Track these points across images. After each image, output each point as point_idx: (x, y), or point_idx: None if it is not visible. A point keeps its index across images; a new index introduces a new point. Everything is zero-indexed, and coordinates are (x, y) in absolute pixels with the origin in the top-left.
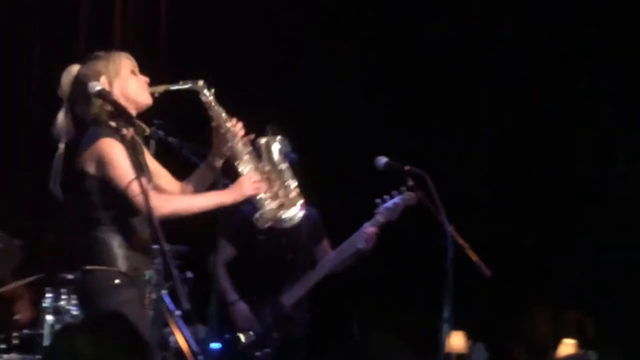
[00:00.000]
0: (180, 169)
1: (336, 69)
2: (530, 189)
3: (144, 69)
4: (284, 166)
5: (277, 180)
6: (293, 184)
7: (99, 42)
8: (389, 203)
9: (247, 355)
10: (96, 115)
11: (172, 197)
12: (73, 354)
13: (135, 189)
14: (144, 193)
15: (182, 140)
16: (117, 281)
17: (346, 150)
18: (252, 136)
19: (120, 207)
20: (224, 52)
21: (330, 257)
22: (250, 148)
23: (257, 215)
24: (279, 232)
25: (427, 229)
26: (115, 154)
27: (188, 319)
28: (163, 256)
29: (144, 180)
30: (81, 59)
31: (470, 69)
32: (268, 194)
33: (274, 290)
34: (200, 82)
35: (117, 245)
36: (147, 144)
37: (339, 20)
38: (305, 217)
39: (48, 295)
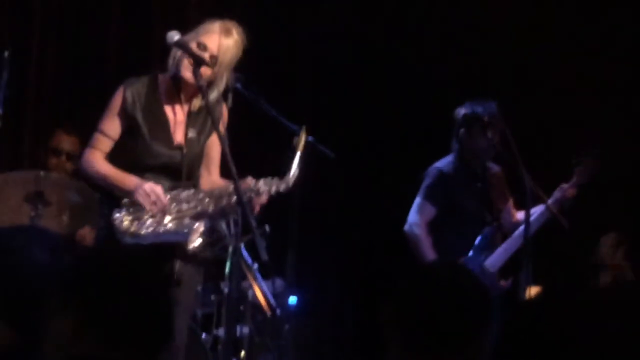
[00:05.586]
0: (258, 124)
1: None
2: None
3: None
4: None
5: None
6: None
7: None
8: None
9: None
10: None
11: (97, 161)
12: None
13: (93, 138)
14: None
15: (259, 94)
16: None
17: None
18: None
19: None
20: None
21: (532, 222)
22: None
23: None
24: (475, 192)
25: None
26: (111, 101)
27: (266, 273)
28: (242, 209)
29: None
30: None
31: None
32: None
33: (476, 254)
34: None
35: None
36: (224, 97)
37: None
38: (493, 175)
39: None
